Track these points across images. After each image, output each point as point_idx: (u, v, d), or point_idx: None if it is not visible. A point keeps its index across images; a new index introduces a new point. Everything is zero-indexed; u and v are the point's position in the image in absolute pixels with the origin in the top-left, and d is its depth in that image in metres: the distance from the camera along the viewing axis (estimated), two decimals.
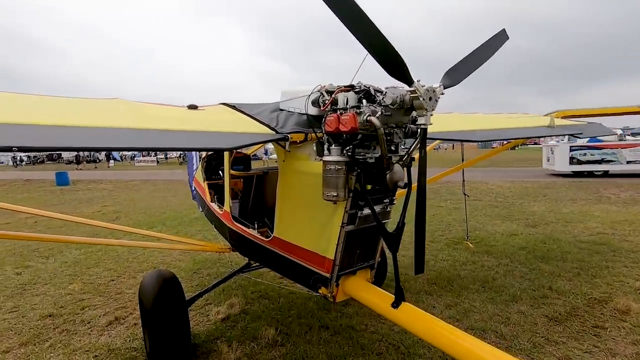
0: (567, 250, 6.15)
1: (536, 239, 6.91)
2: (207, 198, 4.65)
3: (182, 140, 2.18)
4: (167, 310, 3.04)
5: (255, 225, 3.63)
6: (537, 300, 4.31)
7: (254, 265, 4.01)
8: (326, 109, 2.53)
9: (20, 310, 4.47)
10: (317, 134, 2.62)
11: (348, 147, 2.45)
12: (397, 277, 2.55)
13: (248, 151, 5.43)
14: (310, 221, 2.81)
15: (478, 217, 8.93)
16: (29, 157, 51.42)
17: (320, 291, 2.92)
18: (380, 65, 2.06)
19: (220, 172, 4.99)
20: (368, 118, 2.19)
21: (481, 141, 3.69)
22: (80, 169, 35.34)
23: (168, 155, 49.15)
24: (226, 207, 3.88)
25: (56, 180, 20.74)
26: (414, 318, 2.43)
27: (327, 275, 2.75)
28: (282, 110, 3.13)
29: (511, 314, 4.00)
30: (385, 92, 2.25)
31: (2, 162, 46.87)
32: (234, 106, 3.13)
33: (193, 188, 9.86)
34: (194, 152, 9.97)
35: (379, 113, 2.25)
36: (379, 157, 2.38)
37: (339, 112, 2.38)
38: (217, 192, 4.95)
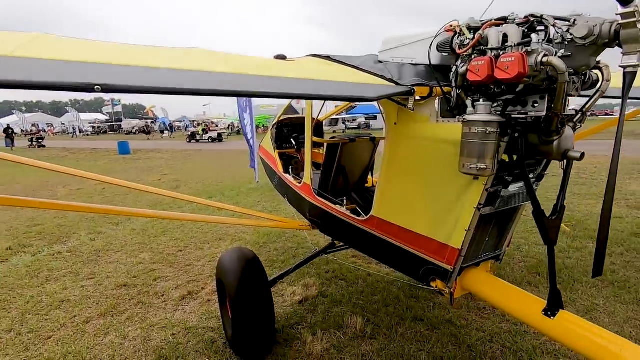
0: None
1: None
2: (280, 169, 4.24)
3: (306, 87, 1.72)
4: (251, 293, 2.69)
5: (345, 201, 3.14)
6: None
7: (339, 245, 3.56)
8: (466, 52, 1.89)
9: (97, 277, 4.45)
10: (444, 88, 2.01)
11: (496, 104, 1.82)
12: (553, 277, 1.93)
13: (322, 117, 4.91)
14: (428, 200, 2.24)
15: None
16: (93, 127, 55.36)
17: (433, 284, 2.39)
18: None
19: (292, 140, 4.54)
20: (545, 59, 1.53)
21: None
22: (149, 139, 37.19)
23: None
24: (306, 180, 3.42)
25: (119, 149, 21.86)
26: (579, 332, 1.83)
27: (448, 267, 2.20)
28: (381, 62, 2.53)
29: None
30: (574, 21, 1.56)
31: (69, 133, 50.66)
32: (328, 56, 2.57)
33: (254, 157, 9.67)
34: (247, 121, 9.73)
35: (558, 53, 1.58)
36: (546, 117, 1.73)
37: (491, 54, 1.74)
38: (288, 162, 4.52)
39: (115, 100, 60.54)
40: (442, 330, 3.17)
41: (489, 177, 1.88)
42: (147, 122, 50.57)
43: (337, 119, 43.60)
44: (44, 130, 48.92)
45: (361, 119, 43.71)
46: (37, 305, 3.80)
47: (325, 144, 3.37)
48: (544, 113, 1.70)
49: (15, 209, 8.10)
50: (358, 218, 2.80)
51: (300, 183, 3.63)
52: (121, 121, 57.91)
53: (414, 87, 1.97)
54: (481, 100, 1.76)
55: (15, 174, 13.65)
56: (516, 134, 1.79)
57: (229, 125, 49.48)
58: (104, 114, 67.63)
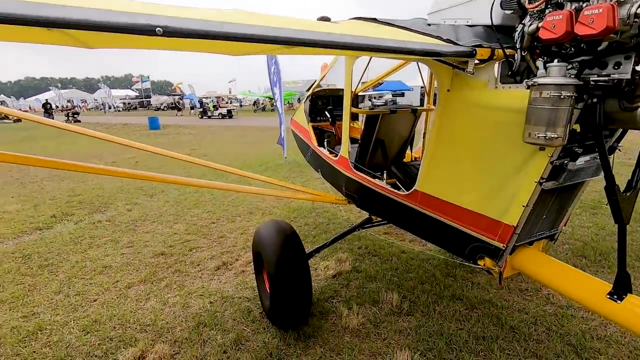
0: None
1: None
2: (314, 142, 4.14)
3: (369, 41, 1.60)
4: (290, 265, 2.68)
5: (384, 175, 3.03)
6: None
7: (377, 220, 3.48)
8: (538, 7, 1.69)
9: (135, 246, 4.60)
10: (506, 50, 1.83)
11: (570, 67, 1.64)
12: (622, 259, 1.78)
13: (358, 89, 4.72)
14: (482, 174, 2.09)
15: None
16: (124, 103, 56.90)
17: (480, 263, 2.27)
18: None
19: (327, 112, 4.41)
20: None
21: None
22: (181, 115, 37.91)
23: (242, 103, 50.85)
24: (343, 153, 3.31)
25: (149, 124, 22.39)
26: None
27: (500, 245, 2.08)
28: (430, 25, 2.33)
29: None
30: None
31: (101, 109, 52.24)
32: (375, 19, 2.40)
33: (282, 132, 9.60)
34: (277, 96, 9.60)
35: None
36: (631, 80, 1.54)
37: (571, 7, 1.54)
38: (321, 136, 4.42)
39: (144, 77, 61.67)
40: (482, 310, 3.07)
41: (557, 148, 1.71)
42: (174, 99, 51.40)
43: (364, 96, 42.79)
44: (79, 106, 50.79)
45: (388, 96, 42.60)
46: (82, 270, 3.98)
47: (364, 115, 3.22)
48: (629, 76, 1.50)
49: (57, 180, 8.49)
50: (400, 193, 2.69)
51: (336, 157, 3.53)
52: (150, 97, 59.13)
53: (475, 48, 1.80)
54: (555, 61, 1.57)
55: (47, 146, 14.30)
56: (594, 100, 1.61)
57: (255, 102, 49.60)
58: (133, 91, 69.23)
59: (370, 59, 3.28)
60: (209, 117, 32.57)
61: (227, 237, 4.83)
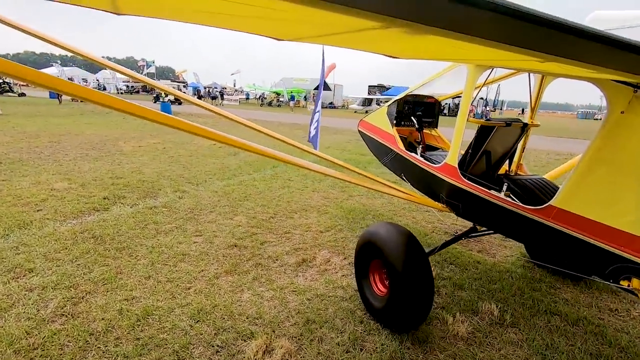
0: None
1: None
2: (400, 146, 4.16)
3: None
4: (415, 266, 2.69)
5: (505, 187, 3.06)
6: None
7: (482, 230, 3.50)
8: None
9: (204, 235, 4.57)
10: None
11: None
12: None
13: (442, 97, 4.75)
14: None
15: None
16: (127, 86, 56.15)
17: (623, 283, 2.31)
18: None
19: (413, 118, 4.43)
20: None
21: None
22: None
23: (250, 97, 50.61)
24: (450, 161, 3.33)
25: (161, 110, 22.16)
26: None
27: None
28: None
29: None
30: None
31: (110, 91, 51.49)
32: None
33: (311, 130, 9.56)
34: (318, 102, 9.56)
35: None
36: None
37: None
38: (404, 141, 4.43)
39: (149, 62, 60.93)
40: (582, 327, 3.12)
41: None
42: (178, 85, 50.89)
43: (372, 99, 42.94)
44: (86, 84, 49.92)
45: None
46: (161, 255, 3.94)
47: (479, 126, 3.25)
48: None
49: (90, 159, 8.37)
50: (526, 207, 2.72)
51: (435, 163, 3.55)
52: None
53: None
54: None
55: (71, 125, 14.06)
56: None
57: (260, 96, 49.39)
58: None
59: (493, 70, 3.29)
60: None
61: (293, 233, 4.81)
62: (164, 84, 5.03)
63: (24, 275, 3.39)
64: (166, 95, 34.30)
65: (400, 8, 0.96)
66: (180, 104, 30.67)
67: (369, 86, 55.80)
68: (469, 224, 3.76)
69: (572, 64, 1.48)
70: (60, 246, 4.00)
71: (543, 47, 1.21)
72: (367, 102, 42.75)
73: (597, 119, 63.96)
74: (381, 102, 42.38)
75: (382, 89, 52.91)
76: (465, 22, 1.02)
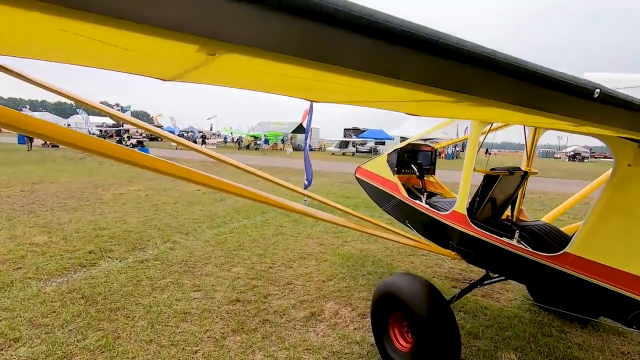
0: None
1: None
2: (402, 193, 4.24)
3: None
4: (439, 319, 2.65)
5: (517, 235, 3.14)
6: None
7: (495, 277, 3.53)
8: None
9: (203, 290, 4.34)
10: None
11: None
12: None
13: (437, 145, 4.96)
14: None
15: None
16: (100, 131, 55.15)
17: None
18: None
19: (412, 166, 4.57)
20: None
21: None
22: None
23: (227, 140, 50.86)
24: (459, 209, 3.42)
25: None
26: None
27: None
28: None
29: None
30: None
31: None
32: None
33: (306, 177, 9.63)
34: (307, 141, 9.78)
35: None
36: None
37: None
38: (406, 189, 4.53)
39: (124, 107, 60.73)
40: None
41: None
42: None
43: (348, 142, 44.15)
44: None
45: (371, 143, 44.32)
46: (161, 315, 3.68)
47: (484, 175, 3.39)
48: None
49: (69, 210, 7.96)
50: (543, 254, 2.79)
51: (443, 211, 3.63)
52: (128, 127, 57.78)
53: None
54: None
55: (44, 172, 13.51)
56: None
57: (238, 139, 49.65)
58: (112, 119, 67.52)
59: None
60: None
61: (295, 284, 4.67)
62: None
63: (9, 347, 3.05)
64: (129, 139, 34.26)
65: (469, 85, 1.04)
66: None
67: (345, 129, 57.57)
68: (471, 269, 3.80)
69: (579, 123, 1.59)
70: (48, 309, 3.67)
71: (557, 110, 1.29)
72: (343, 145, 43.89)
73: (556, 158, 68.32)
74: (357, 144, 43.67)
75: (357, 131, 54.64)
76: (495, 91, 1.10)
